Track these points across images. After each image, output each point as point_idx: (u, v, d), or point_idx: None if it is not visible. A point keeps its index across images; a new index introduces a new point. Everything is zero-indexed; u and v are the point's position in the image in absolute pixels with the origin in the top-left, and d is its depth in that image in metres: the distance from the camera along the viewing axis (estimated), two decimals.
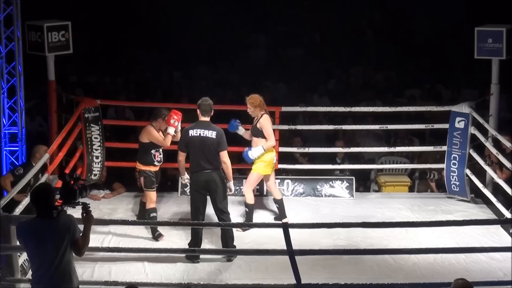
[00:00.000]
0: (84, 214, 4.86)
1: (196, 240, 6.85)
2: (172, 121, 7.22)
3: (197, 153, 6.78)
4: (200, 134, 6.82)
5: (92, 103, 8.38)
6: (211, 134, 6.82)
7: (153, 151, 7.29)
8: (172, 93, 11.59)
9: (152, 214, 7.32)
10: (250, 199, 7.56)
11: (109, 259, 6.72)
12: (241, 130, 7.76)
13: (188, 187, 7.28)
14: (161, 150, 7.36)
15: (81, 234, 4.82)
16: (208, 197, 6.94)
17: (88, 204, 4.89)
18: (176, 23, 13.38)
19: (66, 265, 4.73)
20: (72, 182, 4.79)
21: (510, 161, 7.53)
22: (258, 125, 7.50)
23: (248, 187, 7.55)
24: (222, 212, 6.89)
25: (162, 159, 7.40)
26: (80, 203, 4.82)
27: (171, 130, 7.23)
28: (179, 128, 7.27)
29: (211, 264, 6.70)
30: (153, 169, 7.35)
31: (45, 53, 8.11)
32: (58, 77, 8.46)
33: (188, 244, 6.86)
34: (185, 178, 7.10)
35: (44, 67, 8.32)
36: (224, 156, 6.86)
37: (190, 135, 6.81)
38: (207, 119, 6.94)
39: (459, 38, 12.11)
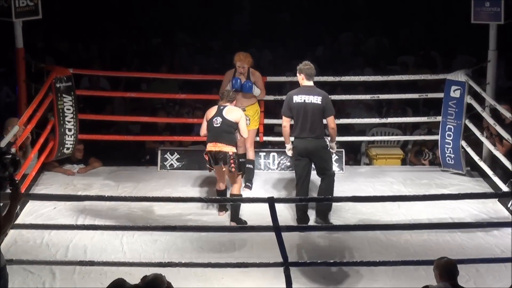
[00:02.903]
0: (11, 191, 4.77)
1: (304, 216, 6.97)
2: None
3: (299, 120, 6.89)
4: (304, 100, 6.88)
5: (64, 72, 8.30)
6: (316, 99, 6.87)
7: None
8: (151, 62, 11.52)
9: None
10: (253, 155, 7.88)
11: (84, 237, 6.70)
12: (256, 91, 7.78)
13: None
14: None
15: (4, 212, 4.76)
16: None
17: (17, 180, 4.82)
18: None
19: None
20: None
21: (510, 132, 7.53)
22: (252, 79, 7.79)
23: (251, 144, 7.80)
24: (326, 171, 7.02)
25: None
26: (7, 179, 4.75)
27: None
28: None
29: (193, 242, 6.72)
30: None
31: (12, 19, 8.00)
32: (27, 44, 8.36)
33: (297, 221, 6.97)
34: (289, 147, 7.13)
35: (11, 34, 8.22)
36: (332, 121, 6.96)
37: (294, 101, 6.92)
38: (311, 83, 6.99)
39: (455, 1, 12.09)
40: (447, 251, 6.56)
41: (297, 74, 7.09)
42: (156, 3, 13.04)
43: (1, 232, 4.77)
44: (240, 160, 7.59)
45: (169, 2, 13.12)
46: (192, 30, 12.70)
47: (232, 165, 6.96)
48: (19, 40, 8.20)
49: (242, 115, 7.16)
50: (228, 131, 7.01)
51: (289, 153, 7.16)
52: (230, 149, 6.99)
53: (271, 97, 8.83)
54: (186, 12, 12.98)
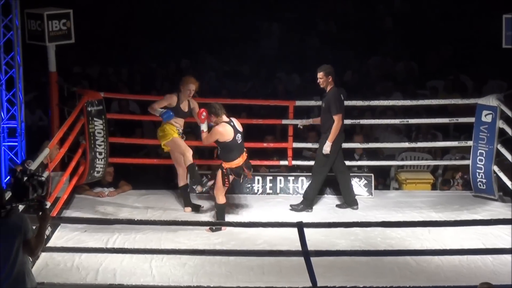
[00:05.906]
0: (40, 213, 4.81)
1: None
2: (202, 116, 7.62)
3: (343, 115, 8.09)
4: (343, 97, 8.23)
5: (96, 95, 8.41)
6: None
7: None
8: (179, 85, 11.58)
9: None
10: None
11: (114, 261, 6.75)
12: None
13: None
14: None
15: (35, 234, 4.78)
16: None
17: (45, 202, 4.86)
18: (183, 10, 13.39)
19: (20, 266, 4.71)
20: (25, 178, 4.73)
21: None
22: (191, 104, 8.15)
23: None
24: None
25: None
26: (35, 201, 4.78)
27: (204, 127, 7.61)
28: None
29: (221, 266, 6.73)
30: None
31: (45, 43, 8.14)
32: (59, 67, 8.50)
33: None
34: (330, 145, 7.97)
35: (45, 58, 8.35)
36: None
37: (343, 99, 8.16)
38: None
39: (485, 24, 12.06)
40: (479, 277, 6.49)
41: (324, 76, 8.10)
42: (185, 27, 13.17)
43: (34, 254, 4.82)
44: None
45: (198, 25, 13.25)
46: (220, 54, 12.80)
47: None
48: (52, 64, 8.34)
49: None
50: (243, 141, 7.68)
51: (328, 151, 7.93)
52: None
53: (298, 122, 8.82)
54: (214, 35, 13.09)
